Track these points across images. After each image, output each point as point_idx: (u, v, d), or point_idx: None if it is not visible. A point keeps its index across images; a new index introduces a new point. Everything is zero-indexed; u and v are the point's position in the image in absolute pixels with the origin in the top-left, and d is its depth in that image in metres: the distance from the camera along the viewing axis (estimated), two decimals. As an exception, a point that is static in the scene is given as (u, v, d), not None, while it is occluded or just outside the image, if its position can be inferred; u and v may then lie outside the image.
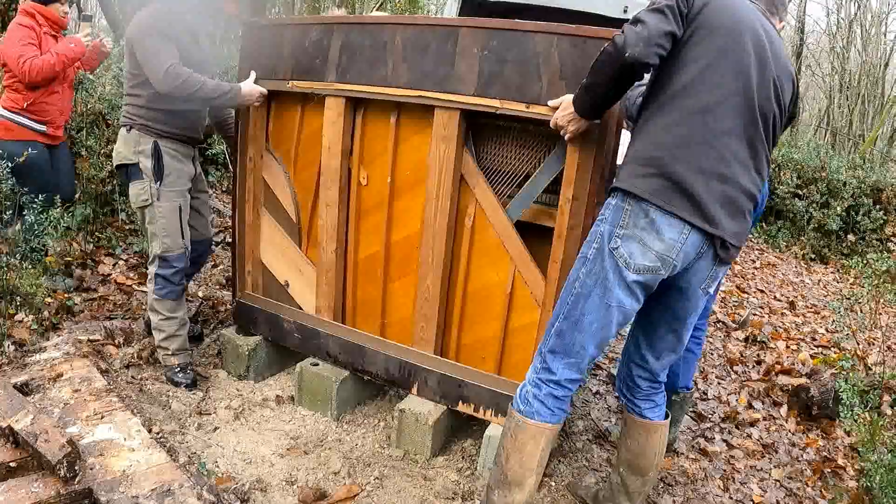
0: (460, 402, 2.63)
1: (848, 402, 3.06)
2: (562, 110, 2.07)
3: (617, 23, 5.15)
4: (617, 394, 2.37)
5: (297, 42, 2.71)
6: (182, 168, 2.98)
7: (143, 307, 3.62)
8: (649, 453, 2.22)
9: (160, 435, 2.62)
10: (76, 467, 2.12)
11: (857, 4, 12.78)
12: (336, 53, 2.59)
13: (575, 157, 2.16)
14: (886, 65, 12.55)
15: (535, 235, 2.40)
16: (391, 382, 2.79)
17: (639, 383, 2.17)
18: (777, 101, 1.86)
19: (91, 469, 2.18)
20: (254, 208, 3.05)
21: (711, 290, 1.97)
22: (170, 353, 3.03)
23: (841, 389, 3.18)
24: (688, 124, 1.77)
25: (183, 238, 2.99)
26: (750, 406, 3.67)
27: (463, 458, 2.75)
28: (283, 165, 2.94)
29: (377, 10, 7.48)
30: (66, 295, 3.57)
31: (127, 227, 4.43)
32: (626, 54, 1.71)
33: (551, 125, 2.11)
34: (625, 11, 4.71)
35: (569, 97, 2.05)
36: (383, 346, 2.76)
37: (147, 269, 3.06)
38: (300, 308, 3.00)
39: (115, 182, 4.40)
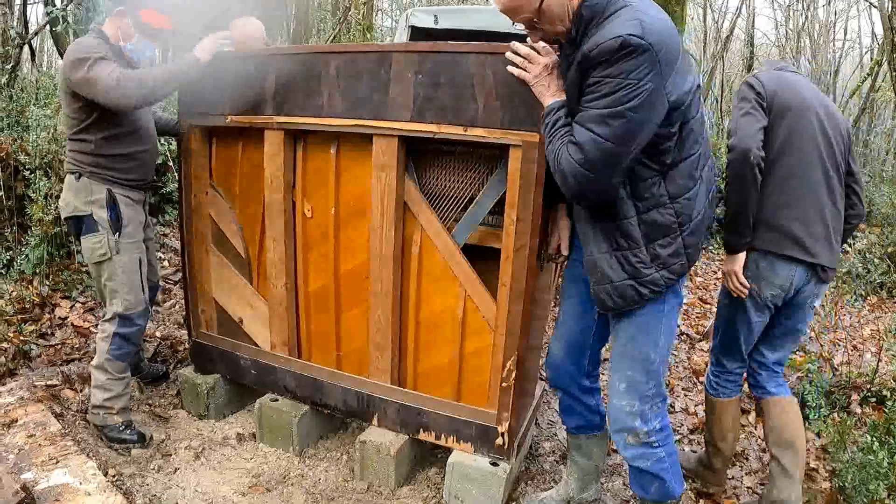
0: (421, 431, 2.60)
1: (815, 404, 3.08)
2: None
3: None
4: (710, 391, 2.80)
5: (235, 75, 2.68)
6: (138, 217, 2.83)
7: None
8: (791, 425, 2.60)
9: (118, 478, 2.57)
10: (31, 513, 2.07)
11: (804, 16, 13.13)
12: (272, 85, 2.57)
13: (517, 178, 2.15)
14: (836, 72, 12.87)
15: (486, 258, 2.39)
16: (350, 415, 2.76)
17: (761, 372, 2.70)
18: (839, 149, 2.43)
19: (47, 515, 2.13)
20: (202, 246, 3.00)
21: (817, 304, 2.57)
22: (114, 412, 2.82)
23: (806, 392, 3.20)
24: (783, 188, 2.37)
25: (144, 293, 2.84)
26: (717, 414, 3.66)
27: (428, 486, 2.72)
28: (228, 201, 2.90)
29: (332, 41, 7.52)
30: (22, 339, 3.49)
31: (84, 269, 4.36)
32: (752, 156, 2.24)
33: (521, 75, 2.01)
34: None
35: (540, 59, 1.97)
36: (340, 379, 2.72)
37: (99, 327, 2.86)
38: (255, 344, 2.95)
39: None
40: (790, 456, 2.56)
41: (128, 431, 2.84)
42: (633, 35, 1.62)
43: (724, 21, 14.11)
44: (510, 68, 2.03)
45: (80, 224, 2.74)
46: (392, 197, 2.39)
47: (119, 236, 2.73)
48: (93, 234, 2.72)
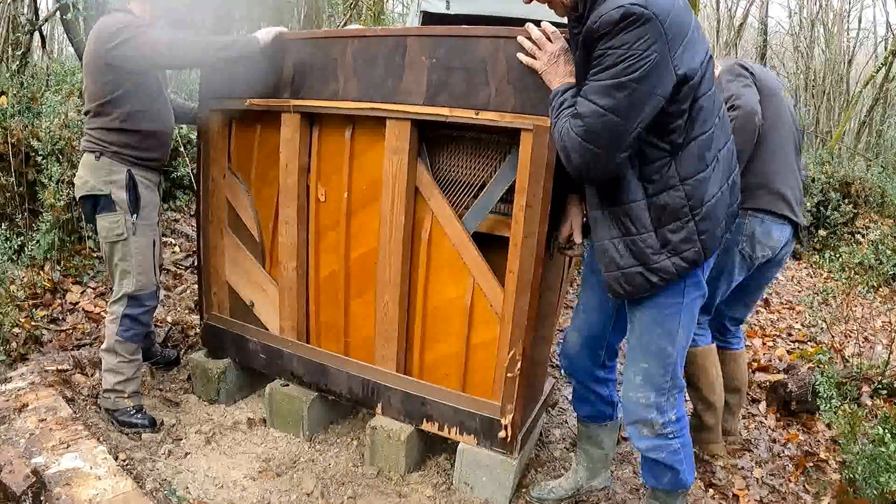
0: (424, 421, 2.60)
1: (826, 395, 3.07)
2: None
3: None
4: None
5: (250, 61, 2.69)
6: (154, 199, 2.85)
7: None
8: (741, 374, 3.10)
9: (128, 462, 2.59)
10: (41, 498, 2.10)
11: (818, 4, 12.99)
12: (289, 70, 2.57)
13: (527, 165, 2.14)
14: (850, 62, 12.74)
15: (496, 248, 2.37)
16: (356, 402, 2.76)
17: (729, 327, 3.06)
18: (798, 130, 2.86)
19: (57, 499, 2.15)
20: (218, 229, 3.02)
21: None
22: (125, 395, 2.84)
23: (818, 382, 3.19)
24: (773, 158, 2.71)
25: (155, 275, 2.86)
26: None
27: (438, 473, 2.72)
28: (245, 185, 2.91)
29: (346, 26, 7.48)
30: (33, 324, 3.51)
31: (95, 255, 4.38)
32: (756, 118, 2.57)
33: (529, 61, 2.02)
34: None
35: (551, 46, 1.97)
36: (346, 365, 2.72)
37: (108, 309, 2.87)
38: (265, 328, 2.96)
39: (78, 209, 4.35)
40: (737, 398, 3.13)
41: (139, 416, 2.85)
42: (636, 4, 1.58)
43: (737, 8, 13.99)
44: (520, 56, 2.02)
45: (97, 203, 2.75)
46: (403, 181, 2.39)
47: (136, 217, 2.74)
48: (110, 214, 2.72)
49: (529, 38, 2.00)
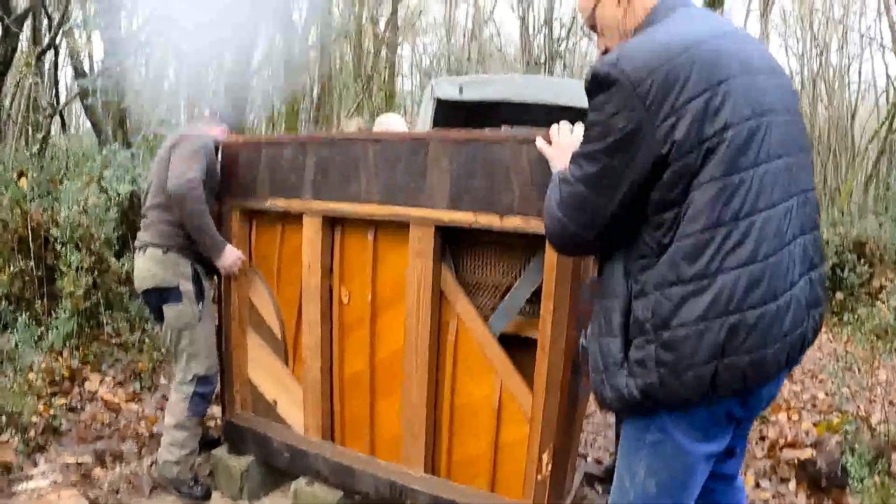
0: (454, 523, 2.54)
1: (856, 474, 3.00)
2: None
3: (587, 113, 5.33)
4: None
5: (272, 160, 2.75)
6: (210, 288, 3.07)
7: (131, 426, 3.58)
8: None
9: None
10: None
11: (819, 62, 13.22)
12: (311, 171, 2.62)
13: (553, 270, 2.14)
14: (853, 116, 12.88)
15: (523, 345, 2.36)
16: (383, 503, 2.71)
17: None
18: None
19: None
20: (240, 327, 3.03)
21: None
22: (189, 467, 3.02)
23: (848, 463, 3.11)
24: None
25: (216, 356, 3.05)
26: (757, 485, 3.57)
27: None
28: (266, 283, 2.93)
29: (354, 110, 7.67)
30: (52, 413, 3.49)
31: (113, 342, 4.39)
32: None
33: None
34: (593, 102, 4.82)
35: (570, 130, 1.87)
36: (372, 466, 2.68)
37: (175, 389, 3.00)
38: (289, 426, 2.94)
39: (98, 296, 4.38)
40: None
41: (197, 487, 3.03)
42: (607, 62, 1.39)
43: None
44: (538, 142, 1.94)
45: (163, 294, 2.91)
46: (428, 285, 2.39)
47: (202, 306, 2.94)
48: (178, 304, 2.90)
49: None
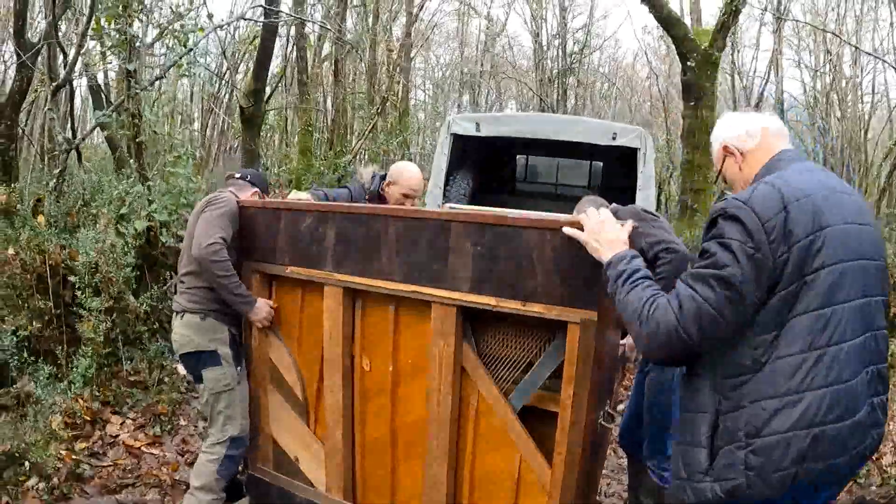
0: (473, 591, 2.57)
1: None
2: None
3: (605, 150, 5.39)
4: None
5: (292, 227, 2.78)
6: (244, 350, 3.10)
7: (153, 472, 3.62)
8: None
9: None
10: None
11: (831, 76, 13.14)
12: (331, 242, 2.66)
13: (574, 355, 2.17)
14: (866, 130, 12.78)
15: (543, 417, 2.39)
16: (404, 566, 2.75)
17: None
18: None
19: None
20: (262, 386, 3.08)
21: None
22: None
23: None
24: None
25: (248, 418, 3.09)
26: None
27: None
28: (288, 346, 2.98)
29: (370, 131, 7.70)
30: (74, 458, 3.53)
31: (132, 379, 4.43)
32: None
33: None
34: (613, 139, 4.88)
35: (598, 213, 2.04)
36: (394, 529, 2.72)
37: (206, 450, 3.03)
38: (311, 485, 2.98)
39: (117, 333, 4.41)
40: None
41: None
42: (737, 202, 1.67)
43: (753, 87, 14.15)
44: (565, 228, 2.05)
45: (204, 358, 2.96)
46: (450, 363, 2.43)
47: (240, 369, 3.00)
48: (217, 367, 2.95)
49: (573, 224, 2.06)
